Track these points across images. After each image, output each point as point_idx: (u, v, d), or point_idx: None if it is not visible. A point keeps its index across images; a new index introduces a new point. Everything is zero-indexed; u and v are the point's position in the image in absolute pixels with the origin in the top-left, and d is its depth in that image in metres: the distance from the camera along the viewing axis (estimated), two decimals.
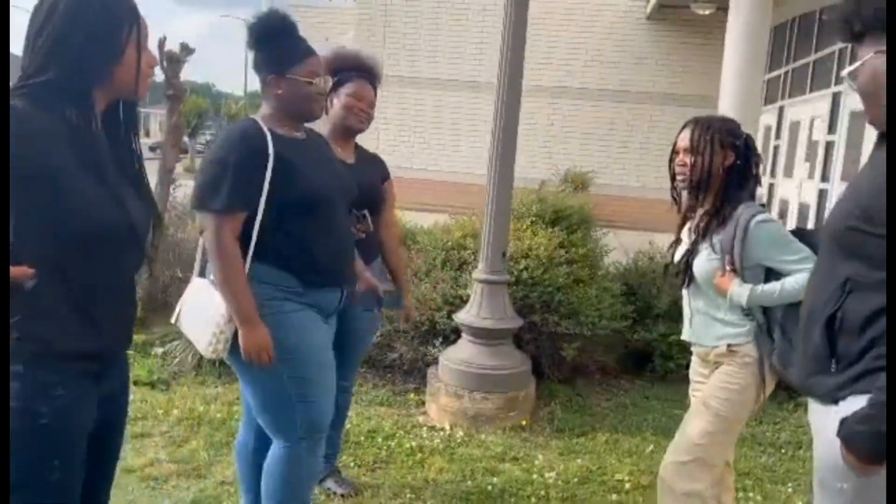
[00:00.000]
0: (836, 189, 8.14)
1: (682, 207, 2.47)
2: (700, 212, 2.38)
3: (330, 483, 2.98)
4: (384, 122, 13.46)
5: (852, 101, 7.99)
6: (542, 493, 3.09)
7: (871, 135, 7.32)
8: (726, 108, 6.50)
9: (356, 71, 2.79)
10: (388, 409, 3.96)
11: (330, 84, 2.35)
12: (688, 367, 4.57)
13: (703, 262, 2.31)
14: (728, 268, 2.25)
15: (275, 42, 2.20)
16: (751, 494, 3.19)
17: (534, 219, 4.68)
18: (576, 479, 3.23)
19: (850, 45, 1.60)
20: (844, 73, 1.65)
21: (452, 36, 14.31)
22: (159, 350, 4.42)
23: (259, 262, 2.12)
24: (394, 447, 3.45)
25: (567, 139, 14.20)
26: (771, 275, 2.26)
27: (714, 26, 12.02)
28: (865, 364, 1.46)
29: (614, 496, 3.11)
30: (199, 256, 2.34)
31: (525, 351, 4.09)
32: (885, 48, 1.50)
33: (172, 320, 2.27)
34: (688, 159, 2.33)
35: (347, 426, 3.55)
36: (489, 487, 3.10)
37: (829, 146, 8.37)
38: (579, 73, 14.02)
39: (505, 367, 3.82)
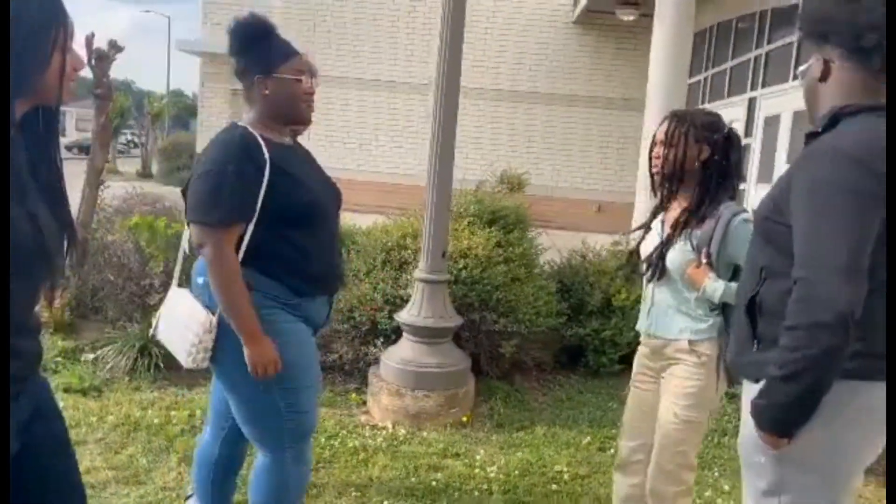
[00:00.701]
0: (753, 189, 8.57)
1: (658, 199, 2.47)
2: (678, 206, 2.38)
3: None
4: (315, 122, 13.31)
5: (767, 107, 8.43)
6: (485, 486, 3.17)
7: (784, 138, 7.75)
8: (652, 111, 6.76)
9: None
10: (329, 409, 3.96)
11: (317, 85, 2.29)
12: (620, 361, 4.78)
13: (678, 256, 2.31)
14: (704, 261, 2.26)
15: (259, 44, 2.15)
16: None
17: (472, 219, 4.77)
18: (517, 472, 3.32)
19: (797, 44, 1.73)
20: (798, 70, 1.76)
21: (383, 35, 14.31)
22: (90, 356, 4.29)
23: (250, 271, 2.06)
24: (337, 447, 3.46)
25: (500, 141, 14.41)
26: (737, 273, 2.28)
27: (639, 32, 12.44)
28: None
29: (554, 486, 3.21)
30: (178, 266, 2.28)
31: (464, 349, 4.17)
32: (818, 56, 1.63)
33: (150, 333, 2.21)
34: (662, 151, 2.35)
35: None
36: (433, 483, 3.16)
37: (745, 149, 8.80)
38: (510, 76, 14.27)
39: (445, 365, 3.89)
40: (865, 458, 1.67)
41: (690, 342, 2.31)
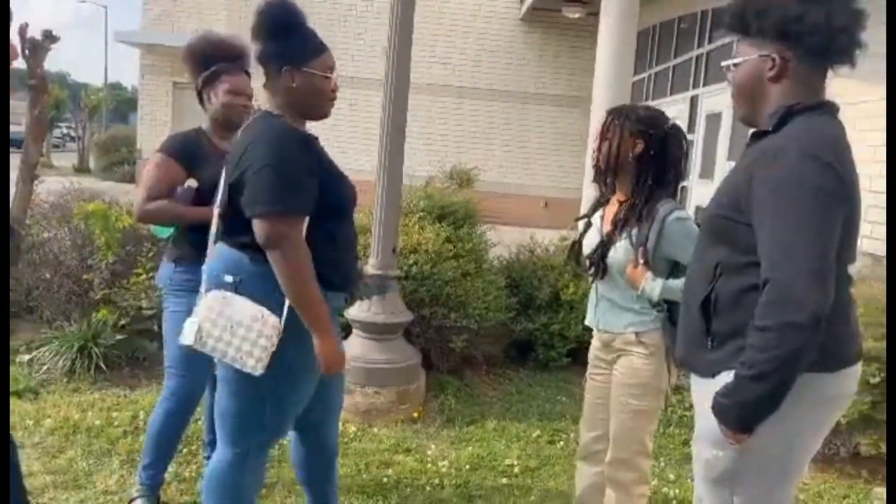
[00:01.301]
0: (695, 186, 8.78)
1: (598, 192, 2.51)
2: (616, 201, 2.42)
3: None
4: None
5: (708, 104, 8.64)
6: (437, 481, 3.17)
7: (725, 135, 7.96)
8: (598, 108, 6.85)
9: (231, 61, 2.70)
10: None
11: (337, 80, 2.21)
12: (568, 355, 4.84)
13: (619, 254, 2.34)
14: (641, 260, 2.28)
15: (291, 33, 2.07)
16: None
17: (421, 214, 4.75)
18: (468, 466, 3.33)
19: (734, 41, 1.73)
20: (724, 63, 1.76)
21: (330, 27, 14.14)
22: (25, 357, 4.12)
23: None
24: (286, 445, 3.40)
25: (449, 137, 14.42)
26: (677, 268, 2.32)
27: (585, 29, 12.62)
28: (739, 341, 1.59)
29: (504, 480, 3.24)
30: (206, 272, 2.13)
31: (415, 344, 4.17)
32: (771, 54, 1.62)
33: (190, 342, 2.04)
34: (597, 145, 2.38)
35: None
36: (384, 479, 3.15)
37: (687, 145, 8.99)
38: (459, 73, 14.28)
39: (396, 361, 3.87)
40: (815, 446, 1.72)
41: (637, 334, 2.37)
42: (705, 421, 1.67)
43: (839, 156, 1.53)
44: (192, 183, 2.62)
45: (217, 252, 2.13)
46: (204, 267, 2.17)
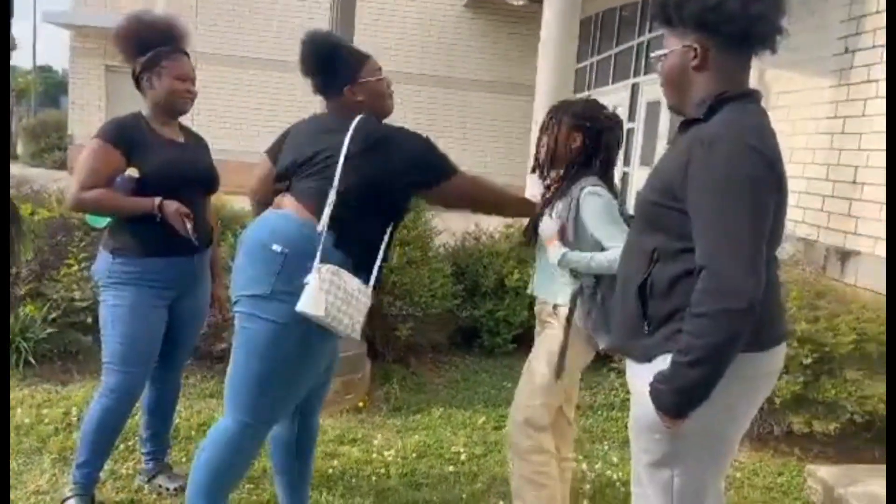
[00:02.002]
0: (636, 172, 8.93)
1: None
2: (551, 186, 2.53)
3: (161, 479, 2.85)
4: (200, 102, 12.78)
5: (649, 92, 8.79)
6: (382, 470, 3.15)
7: (665, 122, 8.11)
8: (541, 95, 6.88)
9: (168, 44, 2.59)
10: (219, 400, 3.80)
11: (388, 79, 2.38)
12: (513, 341, 4.88)
13: (544, 225, 2.45)
14: (555, 228, 2.40)
15: (334, 58, 2.27)
16: (572, 455, 3.46)
17: None
18: (414, 455, 3.32)
19: (660, 32, 1.77)
20: (653, 54, 1.80)
21: (268, 12, 13.86)
22: None
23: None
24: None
25: (397, 124, 14.31)
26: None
27: (528, 16, 12.66)
28: (674, 326, 1.62)
29: (451, 468, 3.23)
30: (320, 246, 2.08)
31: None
32: (693, 45, 1.65)
33: (321, 313, 2.01)
34: (540, 139, 2.48)
35: (177, 420, 3.38)
36: (329, 470, 3.11)
37: (629, 133, 9.14)
38: (404, 58, 14.17)
39: (341, 350, 3.81)
40: (747, 422, 1.77)
41: (555, 306, 2.45)
42: (642, 406, 1.69)
43: (767, 143, 1.56)
44: (133, 172, 2.50)
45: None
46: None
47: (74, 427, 3.20)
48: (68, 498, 2.62)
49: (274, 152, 2.43)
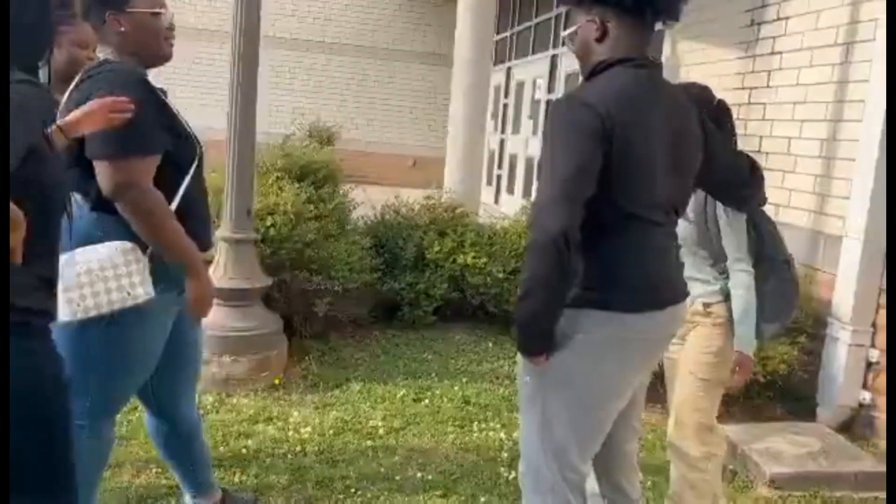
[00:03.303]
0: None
1: None
2: None
3: None
4: None
5: (568, 64, 8.85)
6: (298, 448, 3.09)
7: None
8: (460, 66, 6.84)
9: (63, 8, 2.42)
10: None
11: (172, 18, 2.04)
12: (434, 313, 4.86)
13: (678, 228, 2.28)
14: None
15: None
16: (492, 424, 3.49)
17: (279, 174, 4.56)
18: (332, 431, 3.27)
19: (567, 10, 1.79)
20: (563, 34, 1.85)
21: None
22: None
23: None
24: (135, 421, 3.20)
25: (312, 94, 13.99)
26: None
27: None
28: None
29: (369, 442, 3.21)
30: None
31: (276, 310, 4.02)
32: (594, 18, 1.68)
33: (69, 317, 1.82)
34: None
35: None
36: (243, 451, 3.03)
37: (549, 104, 9.21)
38: (320, 27, 13.83)
39: (255, 328, 3.72)
40: (622, 384, 1.79)
41: (705, 304, 2.37)
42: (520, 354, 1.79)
43: (607, 101, 1.59)
44: None
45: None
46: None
47: None
48: None
49: None
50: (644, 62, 1.70)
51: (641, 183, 1.66)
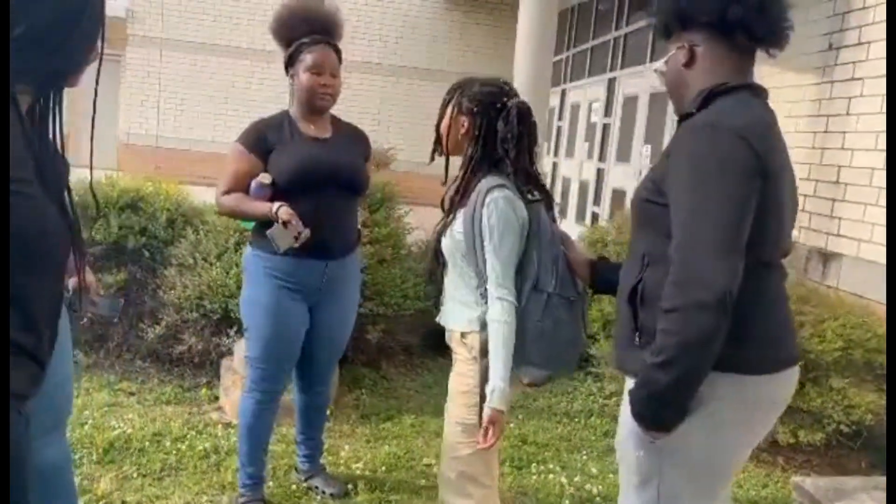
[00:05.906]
0: (612, 168, 8.81)
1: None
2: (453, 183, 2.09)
3: (318, 481, 2.90)
4: (165, 90, 12.49)
5: (626, 87, 8.67)
6: (350, 486, 2.96)
7: (642, 118, 8.00)
8: (518, 88, 6.72)
9: (312, 34, 2.52)
10: (176, 407, 3.59)
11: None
12: None
13: (448, 241, 2.02)
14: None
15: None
16: (550, 466, 3.30)
17: None
18: (384, 468, 3.14)
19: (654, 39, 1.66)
20: (654, 69, 1.72)
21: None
22: None
23: None
24: (184, 450, 3.12)
25: (368, 116, 14.07)
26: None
27: (505, 9, 12.49)
28: None
29: (423, 481, 3.06)
30: None
31: None
32: (682, 44, 1.58)
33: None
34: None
35: (129, 430, 3.18)
36: (293, 487, 2.91)
37: (605, 128, 9.03)
38: (379, 50, 13.92)
39: None
40: (746, 451, 1.63)
41: (462, 334, 2.00)
42: (627, 424, 1.56)
43: (755, 132, 1.43)
44: (264, 178, 2.46)
45: None
46: None
47: None
48: None
49: (252, 144, 2.46)
50: (759, 89, 1.56)
51: (777, 225, 1.50)
